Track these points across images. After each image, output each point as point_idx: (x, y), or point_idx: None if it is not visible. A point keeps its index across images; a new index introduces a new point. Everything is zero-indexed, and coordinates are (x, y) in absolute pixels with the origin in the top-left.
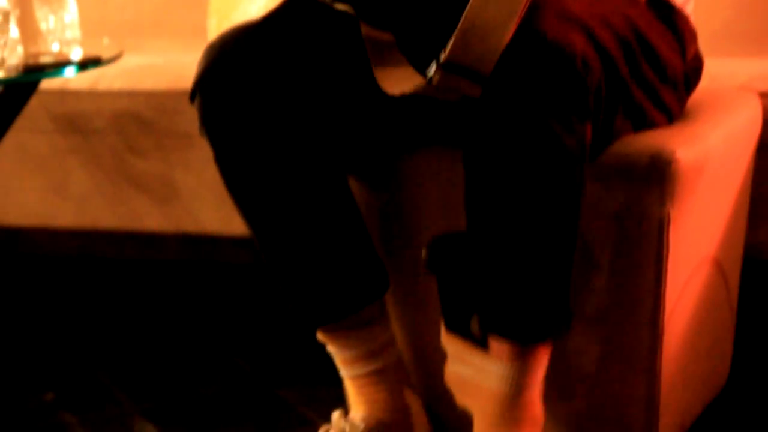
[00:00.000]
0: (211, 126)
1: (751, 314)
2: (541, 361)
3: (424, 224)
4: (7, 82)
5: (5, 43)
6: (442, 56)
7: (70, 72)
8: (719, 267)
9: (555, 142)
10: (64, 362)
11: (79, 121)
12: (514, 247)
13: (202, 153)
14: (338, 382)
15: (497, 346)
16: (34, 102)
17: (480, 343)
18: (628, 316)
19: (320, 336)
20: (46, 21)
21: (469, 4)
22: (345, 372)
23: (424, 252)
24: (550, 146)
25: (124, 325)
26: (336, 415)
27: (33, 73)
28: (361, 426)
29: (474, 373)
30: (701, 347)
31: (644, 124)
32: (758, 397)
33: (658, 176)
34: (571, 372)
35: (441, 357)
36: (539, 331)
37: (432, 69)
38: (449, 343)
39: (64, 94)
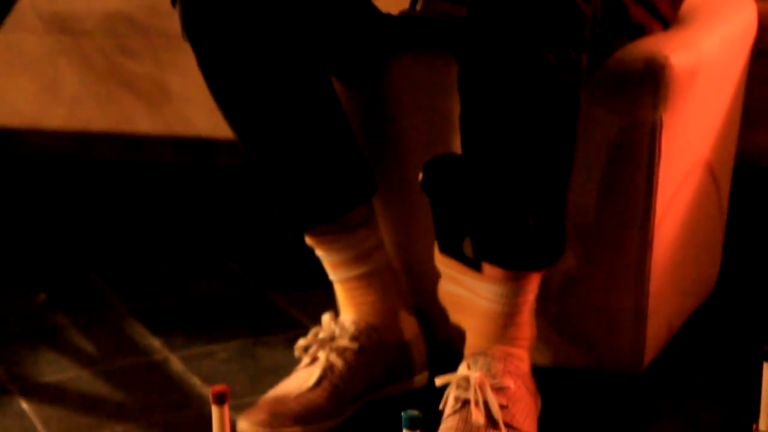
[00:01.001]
0: (192, 30)
1: (742, 220)
2: (534, 283)
3: (409, 129)
4: None
5: None
6: None
7: None
8: (711, 172)
9: (551, 74)
10: (56, 263)
11: (70, 21)
12: (509, 175)
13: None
14: (329, 285)
15: (490, 268)
16: (23, 1)
17: (473, 264)
18: (618, 220)
19: (308, 240)
20: None
21: None
22: (334, 276)
23: (420, 173)
24: (547, 78)
25: (116, 226)
26: (326, 317)
27: None
28: (351, 329)
29: (467, 293)
30: (691, 252)
31: (641, 35)
32: (746, 302)
33: (651, 81)
34: (560, 278)
35: (431, 265)
36: (532, 261)
37: None
38: (442, 263)
39: None
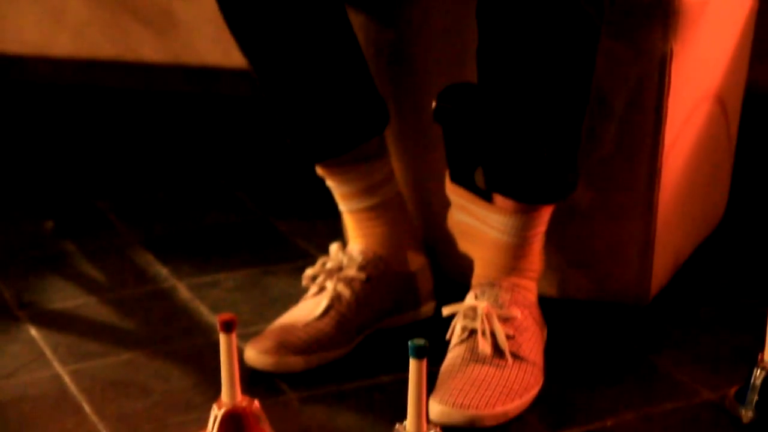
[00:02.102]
0: None
1: (750, 151)
2: (545, 216)
3: (429, 62)
4: None
5: None
6: None
7: None
8: (720, 103)
9: (573, 4)
10: (63, 191)
11: None
12: (525, 107)
13: None
14: (336, 215)
15: (501, 200)
16: None
17: (484, 195)
18: (627, 151)
19: (319, 171)
20: None
21: None
22: (343, 206)
23: (433, 102)
24: (568, 9)
25: (123, 154)
26: (334, 247)
27: None
28: (359, 259)
29: (477, 223)
30: (699, 184)
31: None
32: (753, 233)
33: (661, 11)
34: (568, 210)
35: (441, 197)
36: (545, 194)
37: None
38: (453, 193)
39: None
